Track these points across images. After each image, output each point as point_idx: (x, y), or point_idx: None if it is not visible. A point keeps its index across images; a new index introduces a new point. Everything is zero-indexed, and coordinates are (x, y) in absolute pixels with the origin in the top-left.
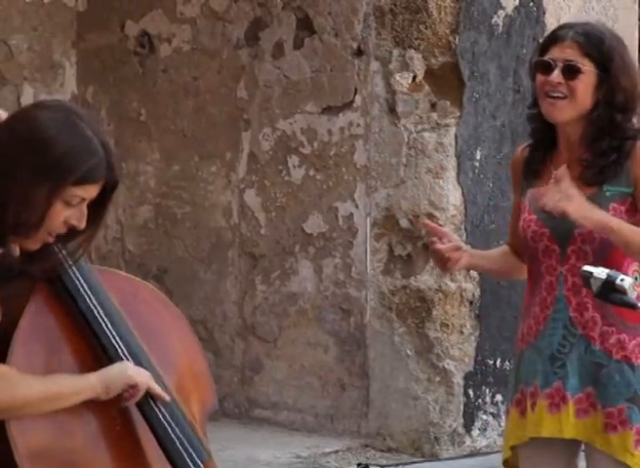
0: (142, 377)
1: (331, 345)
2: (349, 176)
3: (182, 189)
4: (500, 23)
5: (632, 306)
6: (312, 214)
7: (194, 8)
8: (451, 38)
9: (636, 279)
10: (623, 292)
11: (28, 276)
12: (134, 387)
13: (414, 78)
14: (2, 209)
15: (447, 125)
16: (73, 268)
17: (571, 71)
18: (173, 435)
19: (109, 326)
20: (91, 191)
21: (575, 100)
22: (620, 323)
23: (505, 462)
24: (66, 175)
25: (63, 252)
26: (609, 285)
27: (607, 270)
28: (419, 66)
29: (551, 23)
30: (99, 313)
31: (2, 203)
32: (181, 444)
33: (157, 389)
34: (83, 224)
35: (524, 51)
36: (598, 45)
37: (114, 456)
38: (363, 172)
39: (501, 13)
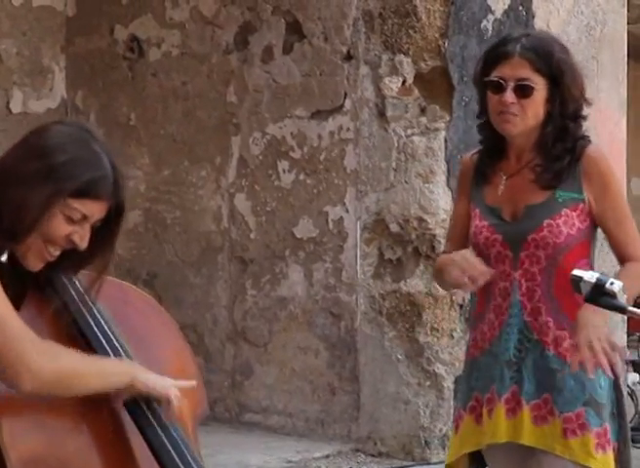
0: (176, 391)
1: (321, 350)
2: (339, 181)
3: (172, 194)
4: (490, 28)
5: (622, 310)
6: (302, 218)
7: (183, 12)
8: (440, 42)
9: None
10: (613, 295)
11: (19, 282)
12: (167, 402)
13: (403, 82)
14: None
15: (436, 129)
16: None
17: (523, 90)
18: (165, 440)
19: (100, 332)
20: (92, 208)
21: (527, 116)
22: (571, 326)
23: (449, 466)
24: (66, 182)
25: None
26: (599, 288)
27: (596, 274)
28: (408, 71)
29: (540, 27)
30: (90, 319)
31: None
32: (174, 449)
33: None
34: (84, 244)
35: None
36: (548, 59)
37: (106, 463)
38: (353, 176)
39: (491, 17)
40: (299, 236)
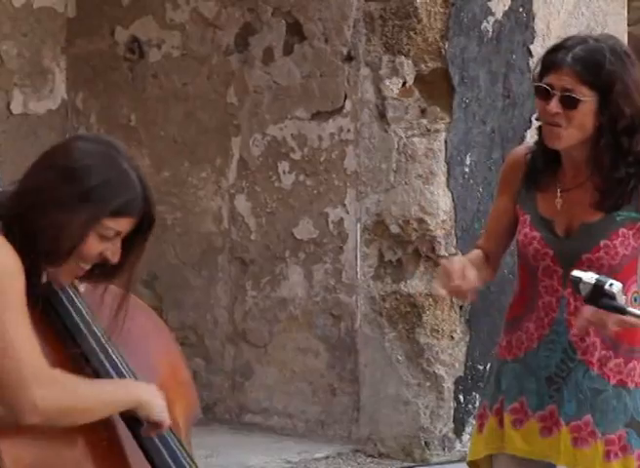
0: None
1: (321, 351)
2: (339, 182)
3: (173, 195)
4: (490, 29)
5: (621, 311)
6: (303, 219)
7: (184, 14)
8: (440, 44)
9: (635, 300)
10: (612, 296)
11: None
12: (159, 423)
13: (404, 84)
14: (35, 237)
15: (437, 130)
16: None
17: (568, 101)
18: (160, 446)
19: (95, 341)
20: (125, 225)
21: (573, 129)
22: (616, 346)
23: (473, 463)
24: (101, 206)
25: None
26: (598, 290)
27: (596, 275)
28: (408, 72)
29: (541, 29)
30: (84, 329)
31: (35, 231)
32: (170, 455)
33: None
34: (116, 259)
35: (514, 56)
36: (597, 71)
37: None
38: (353, 177)
39: (491, 18)
40: (299, 237)
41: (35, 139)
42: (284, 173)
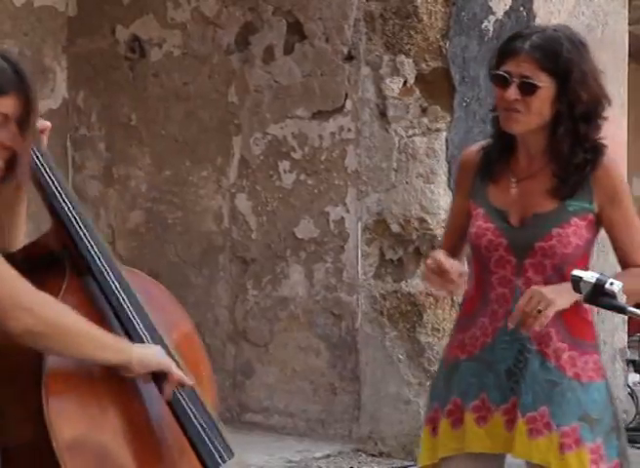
0: (173, 364)
1: (322, 350)
2: (340, 181)
3: (174, 194)
4: (491, 28)
5: (622, 310)
6: (303, 218)
7: (185, 13)
8: (441, 43)
9: None
10: (613, 295)
11: (55, 268)
12: (168, 374)
13: (404, 83)
14: None
15: (438, 129)
16: (106, 262)
17: (527, 88)
18: (198, 425)
19: (140, 324)
20: (8, 106)
21: (531, 114)
22: (570, 339)
23: None
24: None
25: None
26: (598, 289)
27: (596, 274)
28: (409, 71)
29: None
30: (127, 307)
31: None
32: (206, 433)
33: (181, 375)
34: (18, 144)
35: None
36: (555, 58)
37: (138, 450)
38: (354, 176)
39: (492, 18)
40: (299, 236)
41: None
42: (285, 172)
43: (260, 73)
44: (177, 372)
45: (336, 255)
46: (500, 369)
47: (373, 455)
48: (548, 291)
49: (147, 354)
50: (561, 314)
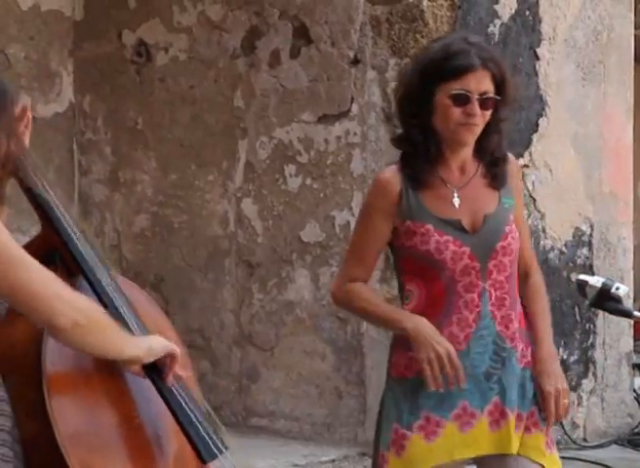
0: (176, 347)
1: (328, 354)
2: (346, 185)
3: (179, 198)
4: (497, 32)
5: (628, 315)
6: (309, 222)
7: (191, 17)
8: None
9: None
10: (619, 300)
11: (50, 268)
12: (172, 356)
13: None
14: None
15: None
16: (96, 264)
17: (487, 103)
18: (193, 417)
19: (131, 321)
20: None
21: (482, 125)
22: (525, 332)
23: None
24: (10, 109)
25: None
26: (604, 293)
27: (602, 279)
28: None
29: (547, 32)
30: (119, 307)
31: None
32: (201, 425)
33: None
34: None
35: (520, 59)
36: (500, 69)
37: (133, 446)
38: (360, 180)
39: (498, 22)
40: (305, 240)
41: (42, 143)
42: (290, 176)
43: (266, 77)
44: (179, 353)
45: (341, 259)
46: (477, 373)
47: None
48: (561, 381)
49: (153, 341)
50: (517, 305)
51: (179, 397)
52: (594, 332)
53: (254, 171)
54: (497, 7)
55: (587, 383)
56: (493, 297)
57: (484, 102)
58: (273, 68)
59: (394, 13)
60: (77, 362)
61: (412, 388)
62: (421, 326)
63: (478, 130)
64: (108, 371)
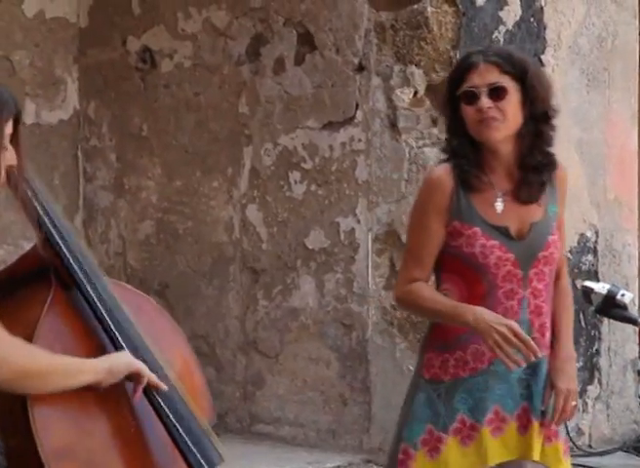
0: (142, 365)
1: (332, 360)
2: (351, 192)
3: (184, 204)
4: (501, 39)
5: (634, 321)
6: (314, 229)
7: (196, 24)
8: (452, 54)
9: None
10: (624, 307)
11: (41, 282)
12: (137, 374)
13: (415, 93)
14: None
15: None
16: (91, 276)
17: (497, 93)
18: (187, 436)
19: (123, 331)
20: (10, 126)
21: (507, 120)
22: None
23: None
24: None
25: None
26: (609, 300)
27: (608, 285)
28: (419, 82)
29: (552, 39)
30: (113, 318)
31: None
32: (197, 443)
33: (154, 378)
34: (15, 161)
35: None
36: (510, 60)
37: (128, 457)
38: (364, 187)
39: (502, 28)
40: (310, 247)
41: (47, 149)
42: (295, 182)
43: (271, 84)
44: (148, 373)
45: (346, 266)
46: (512, 378)
47: (383, 466)
48: (573, 383)
49: (114, 362)
50: (550, 314)
51: (167, 411)
52: (599, 339)
53: (258, 177)
54: (501, 13)
55: (593, 390)
56: (532, 305)
57: (493, 93)
58: (278, 75)
59: (399, 19)
60: None
61: (447, 390)
62: (480, 314)
63: (500, 126)
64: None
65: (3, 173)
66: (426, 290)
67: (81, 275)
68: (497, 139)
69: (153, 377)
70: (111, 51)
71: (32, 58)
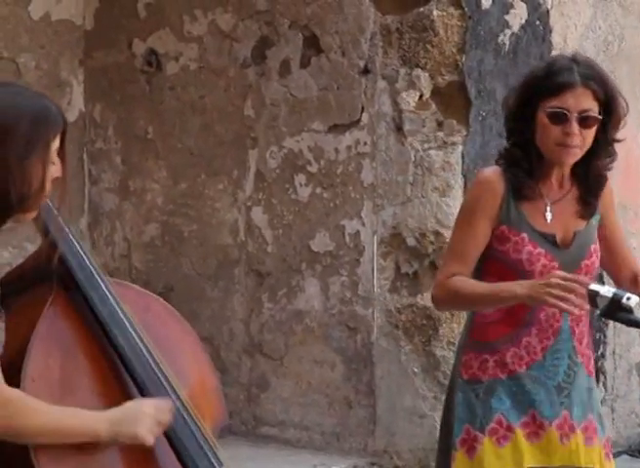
0: (148, 434)
1: (337, 363)
2: (356, 195)
3: (189, 207)
4: (507, 42)
5: (639, 325)
6: (319, 231)
7: (201, 26)
8: (457, 57)
9: None
10: (630, 310)
11: (45, 283)
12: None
13: (420, 97)
14: (3, 192)
15: (453, 143)
16: (92, 277)
17: (587, 121)
18: (188, 443)
19: (125, 335)
20: (58, 140)
21: (585, 146)
22: (590, 344)
23: None
24: (45, 136)
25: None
26: (615, 304)
27: (613, 289)
28: (425, 85)
29: (558, 42)
30: (116, 322)
31: (5, 189)
32: (197, 451)
33: (169, 419)
34: (61, 172)
35: None
36: (604, 87)
37: (130, 460)
38: (370, 190)
39: (508, 31)
40: (315, 249)
41: None
42: (300, 185)
43: (277, 87)
44: (151, 440)
45: (351, 269)
46: (549, 384)
47: None
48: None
49: (122, 430)
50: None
51: (175, 432)
52: (604, 342)
53: (264, 180)
54: (507, 17)
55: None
56: (573, 314)
57: (583, 121)
58: (283, 78)
59: (404, 22)
60: (65, 376)
61: (485, 390)
62: (523, 285)
63: (578, 152)
64: (103, 383)
65: (49, 185)
66: (466, 280)
67: (83, 277)
68: (569, 164)
69: (168, 420)
70: (117, 53)
71: (38, 60)
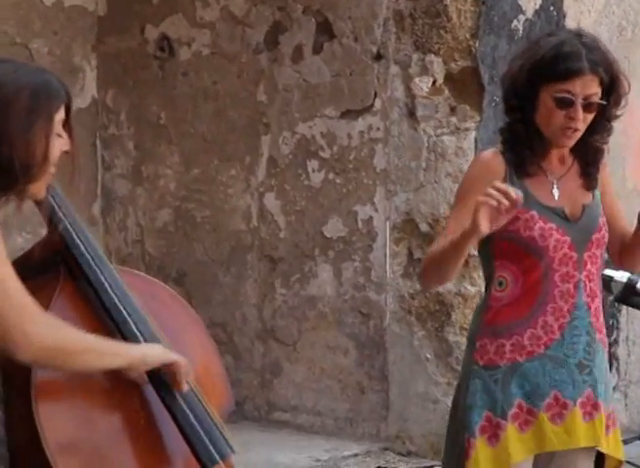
0: (179, 357)
1: (350, 349)
2: (369, 180)
3: (202, 193)
4: (521, 28)
5: None
6: (332, 217)
7: (214, 12)
8: (471, 42)
9: (500, 284)
10: None
11: (51, 272)
12: (175, 365)
13: (433, 82)
14: (10, 166)
15: (467, 129)
16: (99, 266)
17: (591, 107)
18: (197, 426)
19: (133, 323)
20: (62, 112)
21: (584, 128)
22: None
23: None
24: (48, 107)
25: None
26: (629, 289)
27: (627, 274)
28: (438, 70)
29: (571, 27)
30: (124, 310)
31: (8, 161)
32: (206, 434)
33: (189, 370)
34: (69, 147)
35: None
36: (609, 70)
37: (138, 449)
38: (382, 175)
39: (522, 17)
40: (328, 235)
41: None
42: (313, 171)
43: (289, 72)
44: (186, 365)
45: (364, 255)
46: (570, 363)
47: (401, 454)
48: None
49: (148, 351)
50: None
51: (180, 401)
52: (617, 328)
53: (276, 166)
54: (521, 2)
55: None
56: (587, 289)
57: (587, 107)
58: (296, 63)
59: (418, 8)
60: None
61: (504, 376)
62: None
63: (579, 134)
64: (111, 374)
65: (54, 157)
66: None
67: (89, 266)
68: (569, 146)
69: (189, 370)
70: (130, 39)
71: (51, 46)
